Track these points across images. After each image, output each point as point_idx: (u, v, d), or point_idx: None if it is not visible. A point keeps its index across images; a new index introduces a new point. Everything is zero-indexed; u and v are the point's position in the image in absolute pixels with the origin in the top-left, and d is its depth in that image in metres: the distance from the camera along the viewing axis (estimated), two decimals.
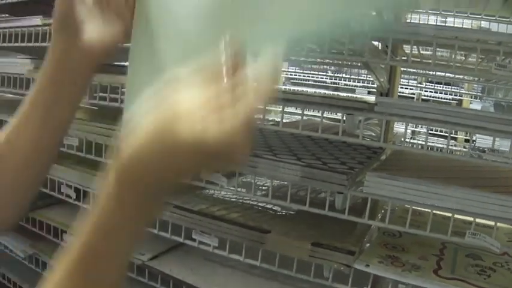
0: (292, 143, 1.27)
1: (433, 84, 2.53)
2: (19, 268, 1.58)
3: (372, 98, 1.10)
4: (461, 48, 0.96)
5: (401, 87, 2.39)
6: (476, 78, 1.88)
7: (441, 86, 2.49)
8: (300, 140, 1.32)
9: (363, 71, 2.56)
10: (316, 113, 1.24)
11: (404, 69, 1.68)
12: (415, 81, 2.50)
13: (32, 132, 0.73)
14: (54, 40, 0.72)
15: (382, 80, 1.33)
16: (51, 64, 0.72)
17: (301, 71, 2.79)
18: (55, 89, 0.72)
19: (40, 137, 0.74)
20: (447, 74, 1.95)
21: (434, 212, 0.94)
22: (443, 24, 1.48)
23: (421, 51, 1.38)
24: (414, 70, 1.87)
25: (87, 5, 0.70)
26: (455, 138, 2.39)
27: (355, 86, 2.68)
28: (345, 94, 1.85)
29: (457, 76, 1.98)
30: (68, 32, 0.71)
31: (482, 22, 1.44)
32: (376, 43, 1.14)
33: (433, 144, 1.77)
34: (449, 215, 0.93)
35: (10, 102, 1.49)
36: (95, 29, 0.71)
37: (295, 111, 1.34)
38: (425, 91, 2.51)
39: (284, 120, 1.06)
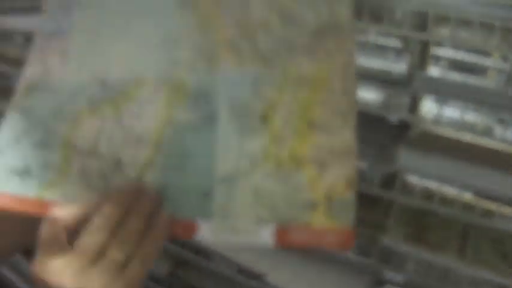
0: None
1: (458, 72, 2.50)
2: None
3: None
4: (501, 29, 0.94)
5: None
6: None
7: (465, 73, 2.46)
8: None
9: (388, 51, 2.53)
10: None
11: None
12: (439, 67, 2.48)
13: None
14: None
15: (413, 60, 1.31)
16: None
17: None
18: None
19: None
20: (473, 61, 1.92)
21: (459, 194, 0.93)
22: None
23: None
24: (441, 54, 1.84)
25: None
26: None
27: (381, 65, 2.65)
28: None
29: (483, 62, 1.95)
30: None
31: None
32: None
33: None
34: (475, 199, 0.92)
35: None
36: None
37: None
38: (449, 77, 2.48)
39: None
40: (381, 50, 1.18)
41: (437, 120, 1.10)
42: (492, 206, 0.95)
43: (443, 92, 0.93)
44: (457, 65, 2.38)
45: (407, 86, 0.96)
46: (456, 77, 2.30)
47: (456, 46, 1.58)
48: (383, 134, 1.11)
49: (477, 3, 1.03)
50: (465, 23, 1.01)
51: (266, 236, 0.54)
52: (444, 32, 1.13)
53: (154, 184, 0.58)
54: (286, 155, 0.57)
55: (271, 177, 0.56)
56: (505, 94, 0.90)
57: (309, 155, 0.57)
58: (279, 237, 0.54)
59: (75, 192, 0.60)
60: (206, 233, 0.56)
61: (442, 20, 0.99)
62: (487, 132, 0.99)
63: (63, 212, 0.56)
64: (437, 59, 2.20)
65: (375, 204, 1.12)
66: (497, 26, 0.89)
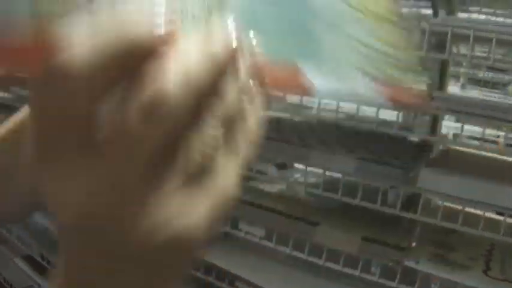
0: (343, 137, 1.26)
1: (478, 87, 2.50)
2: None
3: None
4: None
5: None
6: None
7: (486, 89, 2.46)
8: (349, 135, 1.31)
9: None
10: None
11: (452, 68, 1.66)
12: (459, 84, 2.48)
13: None
14: None
15: (432, 78, 1.31)
16: None
17: None
18: None
19: None
20: (493, 77, 1.92)
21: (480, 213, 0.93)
22: None
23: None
24: (461, 70, 1.84)
25: None
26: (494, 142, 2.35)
27: None
28: None
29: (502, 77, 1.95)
30: None
31: None
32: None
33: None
34: (499, 218, 0.91)
35: None
36: None
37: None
38: (468, 93, 2.48)
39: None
40: None
41: (459, 139, 1.09)
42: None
43: (463, 110, 0.92)
44: (477, 82, 2.38)
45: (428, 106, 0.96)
46: (476, 93, 2.30)
47: (475, 64, 1.59)
48: (405, 154, 1.11)
49: (492, 22, 1.04)
50: (484, 40, 1.01)
51: (371, 88, 0.48)
52: (463, 50, 1.14)
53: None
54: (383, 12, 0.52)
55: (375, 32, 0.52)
56: None
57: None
58: (385, 91, 0.49)
59: None
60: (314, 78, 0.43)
61: (461, 38, 1.00)
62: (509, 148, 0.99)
63: None
64: (457, 76, 2.20)
65: (399, 224, 1.12)
66: None
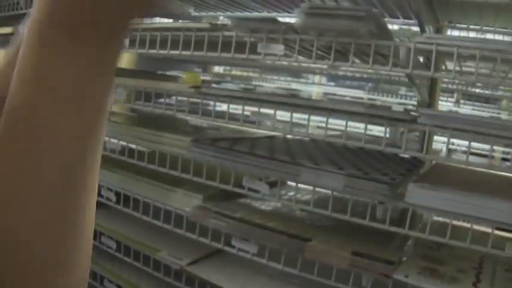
0: (333, 154, 1.28)
1: (471, 102, 2.52)
2: None
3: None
4: (504, 61, 0.96)
5: (440, 105, 2.39)
6: None
7: (479, 103, 2.49)
8: (340, 152, 1.33)
9: (400, 88, 2.57)
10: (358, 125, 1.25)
11: (443, 85, 1.68)
12: (453, 99, 2.50)
13: None
14: None
15: (423, 95, 1.34)
16: None
17: (338, 87, 2.81)
18: None
19: None
20: (485, 91, 1.94)
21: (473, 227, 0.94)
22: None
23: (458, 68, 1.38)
24: (453, 87, 1.87)
25: None
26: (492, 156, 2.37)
27: (391, 102, 2.69)
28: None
29: (495, 93, 1.98)
30: None
31: None
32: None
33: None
34: (488, 231, 0.93)
35: None
36: None
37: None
38: (462, 108, 2.50)
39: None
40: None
41: (449, 154, 1.11)
42: (506, 235, 0.96)
43: (449, 126, 0.94)
44: (472, 97, 2.40)
45: (415, 123, 0.98)
46: (469, 108, 2.32)
47: (463, 80, 1.61)
48: (395, 170, 1.13)
49: (477, 39, 1.06)
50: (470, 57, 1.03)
51: None
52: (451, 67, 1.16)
53: None
54: None
55: None
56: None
57: None
58: None
59: None
60: None
61: (447, 55, 1.02)
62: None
63: None
64: (450, 91, 2.22)
65: (391, 240, 1.13)
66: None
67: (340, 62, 1.05)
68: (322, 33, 1.02)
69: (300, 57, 1.14)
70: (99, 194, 1.45)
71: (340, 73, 2.16)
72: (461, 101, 2.53)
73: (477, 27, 1.37)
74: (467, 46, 0.93)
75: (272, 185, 1.15)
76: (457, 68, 1.32)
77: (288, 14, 1.47)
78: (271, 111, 1.14)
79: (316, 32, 1.01)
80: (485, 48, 0.92)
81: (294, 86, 2.98)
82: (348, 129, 1.05)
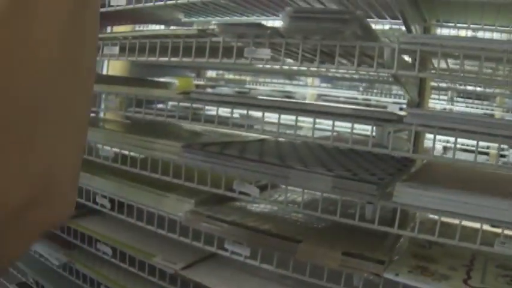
0: (322, 155, 1.28)
1: (464, 99, 2.53)
2: (53, 276, 1.62)
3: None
4: (488, 59, 0.97)
5: (432, 103, 2.40)
6: (505, 92, 1.87)
7: (472, 101, 2.49)
8: (330, 153, 1.34)
9: (394, 87, 2.57)
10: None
11: (435, 84, 1.69)
12: (446, 97, 2.50)
13: None
14: None
15: (412, 94, 1.34)
16: None
17: (332, 87, 2.81)
18: None
19: None
20: (478, 88, 1.95)
21: (463, 224, 0.95)
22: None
23: (451, 66, 1.39)
24: (445, 85, 1.87)
25: None
26: (486, 153, 2.38)
27: (386, 102, 2.69)
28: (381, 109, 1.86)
29: (488, 90, 1.98)
30: None
31: None
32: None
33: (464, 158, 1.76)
34: (478, 226, 0.93)
35: None
36: None
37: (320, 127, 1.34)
38: (456, 106, 2.51)
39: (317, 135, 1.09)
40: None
41: (438, 153, 1.12)
42: (496, 231, 0.96)
43: (438, 125, 0.95)
44: (467, 94, 2.40)
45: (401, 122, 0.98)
46: (463, 106, 2.32)
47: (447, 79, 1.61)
48: (385, 169, 1.14)
49: (461, 38, 1.06)
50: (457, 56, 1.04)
51: None
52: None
53: None
54: None
55: None
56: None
57: None
58: None
59: None
60: None
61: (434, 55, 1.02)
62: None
63: None
64: (444, 89, 2.23)
65: (383, 239, 1.14)
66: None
67: (325, 65, 1.06)
68: (307, 37, 1.02)
69: (289, 61, 1.15)
70: (94, 201, 1.47)
71: (334, 74, 2.16)
72: (455, 99, 2.54)
73: (464, 25, 1.37)
74: (451, 45, 0.93)
75: (264, 188, 1.16)
76: (445, 67, 1.34)
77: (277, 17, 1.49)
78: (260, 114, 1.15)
79: (302, 35, 1.02)
80: (469, 47, 0.93)
81: (288, 88, 2.99)
82: (343, 129, 1.06)
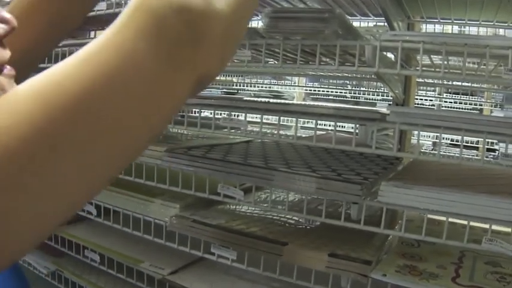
0: (308, 156, 1.27)
1: (451, 95, 2.52)
2: (42, 285, 1.60)
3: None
4: (472, 55, 0.96)
5: (421, 99, 2.40)
6: (493, 86, 1.86)
7: (460, 96, 2.49)
8: (316, 153, 1.33)
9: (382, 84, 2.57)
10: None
11: (421, 80, 1.68)
12: (434, 93, 2.50)
13: None
14: None
15: (397, 91, 1.33)
16: None
17: (321, 86, 2.81)
18: None
19: None
20: (465, 84, 1.94)
21: (452, 221, 0.94)
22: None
23: (437, 62, 1.38)
24: (431, 81, 1.86)
25: None
26: (476, 148, 2.38)
27: (375, 99, 2.69)
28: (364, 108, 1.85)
29: (475, 85, 1.98)
30: None
31: (500, 30, 1.43)
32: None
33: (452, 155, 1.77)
34: (466, 223, 0.93)
35: None
36: None
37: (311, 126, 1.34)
38: (444, 102, 2.50)
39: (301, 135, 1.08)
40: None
41: (427, 149, 1.11)
42: (484, 228, 0.95)
43: (421, 122, 0.94)
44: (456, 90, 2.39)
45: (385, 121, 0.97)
46: (452, 101, 2.31)
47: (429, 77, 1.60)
48: (372, 168, 1.13)
49: (444, 34, 1.05)
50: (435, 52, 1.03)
51: None
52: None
53: None
54: None
55: None
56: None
57: None
58: None
59: None
60: None
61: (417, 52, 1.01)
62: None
63: None
64: (431, 85, 2.22)
65: (370, 239, 1.13)
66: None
67: (306, 65, 1.05)
68: (287, 37, 1.01)
69: (271, 62, 1.14)
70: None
71: (318, 73, 2.15)
72: (444, 95, 2.54)
73: (449, 21, 1.37)
74: (433, 42, 0.92)
75: (249, 190, 1.15)
76: (430, 63, 1.33)
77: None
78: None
79: (282, 35, 1.01)
80: (451, 43, 0.92)
81: (276, 88, 2.98)
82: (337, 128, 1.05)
